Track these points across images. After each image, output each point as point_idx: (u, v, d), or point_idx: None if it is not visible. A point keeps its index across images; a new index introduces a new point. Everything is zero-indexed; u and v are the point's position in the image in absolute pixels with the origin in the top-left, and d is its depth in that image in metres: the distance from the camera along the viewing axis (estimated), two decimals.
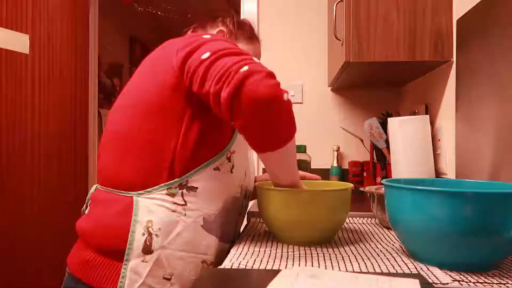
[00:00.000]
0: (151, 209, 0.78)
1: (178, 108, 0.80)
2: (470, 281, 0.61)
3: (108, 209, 0.82)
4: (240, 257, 0.76)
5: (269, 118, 0.70)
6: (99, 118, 2.77)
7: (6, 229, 1.83)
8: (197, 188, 0.81)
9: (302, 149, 1.58)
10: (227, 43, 0.78)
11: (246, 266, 0.71)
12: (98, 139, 2.61)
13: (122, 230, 0.77)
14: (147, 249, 0.77)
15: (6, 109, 1.86)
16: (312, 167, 2.04)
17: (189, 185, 0.81)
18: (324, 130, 2.06)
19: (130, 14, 3.71)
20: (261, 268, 0.70)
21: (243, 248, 0.82)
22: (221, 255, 0.85)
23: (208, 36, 0.81)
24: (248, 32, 1.07)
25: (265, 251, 0.80)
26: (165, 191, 0.80)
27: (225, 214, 0.86)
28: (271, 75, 0.70)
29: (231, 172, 0.86)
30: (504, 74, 1.01)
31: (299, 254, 0.78)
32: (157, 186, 0.80)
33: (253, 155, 1.00)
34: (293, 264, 0.72)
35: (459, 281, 0.61)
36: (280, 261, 0.74)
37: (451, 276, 0.62)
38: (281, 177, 0.85)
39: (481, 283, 0.60)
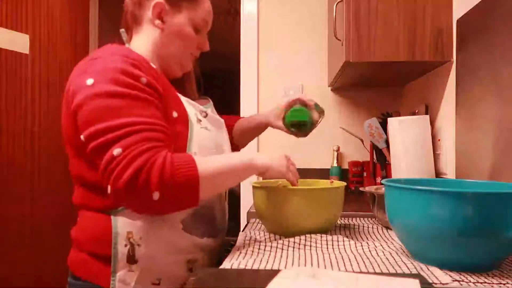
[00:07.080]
0: (130, 221, 0.80)
1: None
2: (470, 281, 0.61)
3: (91, 222, 0.84)
4: (240, 257, 0.76)
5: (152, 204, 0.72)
6: None
7: (5, 229, 1.83)
8: None
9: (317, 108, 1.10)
10: (98, 112, 0.77)
11: (246, 266, 0.71)
12: None
13: (106, 243, 0.79)
14: (131, 259, 0.79)
15: (6, 109, 1.86)
16: (312, 167, 2.05)
17: None
18: (324, 130, 2.06)
19: None
20: (261, 268, 0.70)
21: (243, 248, 0.82)
22: (210, 249, 0.89)
23: (91, 82, 0.80)
24: None
25: (264, 251, 0.80)
26: None
27: (205, 212, 0.87)
28: (126, 168, 0.69)
29: None
30: (504, 74, 1.01)
31: (299, 254, 0.78)
32: None
33: (228, 149, 1.00)
34: (293, 264, 0.72)
35: (459, 281, 0.61)
36: (280, 261, 0.74)
37: (451, 276, 0.62)
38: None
39: (481, 283, 0.60)
